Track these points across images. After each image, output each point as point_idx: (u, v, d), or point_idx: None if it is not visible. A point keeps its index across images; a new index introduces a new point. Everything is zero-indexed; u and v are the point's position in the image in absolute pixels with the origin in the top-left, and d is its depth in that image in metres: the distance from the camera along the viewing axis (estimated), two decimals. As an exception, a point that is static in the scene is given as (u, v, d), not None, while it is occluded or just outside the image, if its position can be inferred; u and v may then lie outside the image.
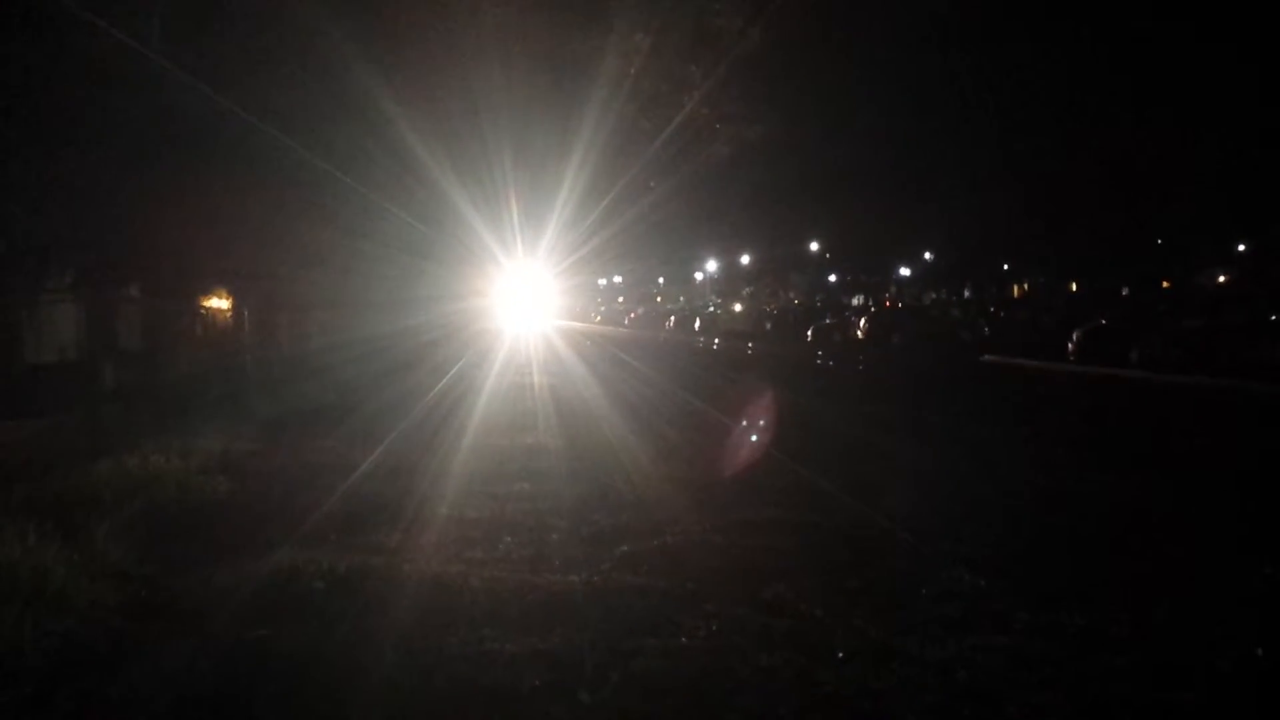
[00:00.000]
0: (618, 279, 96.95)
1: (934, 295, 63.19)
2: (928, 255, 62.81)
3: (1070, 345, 26.20)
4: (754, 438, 12.12)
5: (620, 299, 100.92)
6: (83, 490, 7.72)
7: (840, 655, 4.62)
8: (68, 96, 11.70)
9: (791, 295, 73.30)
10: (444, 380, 19.52)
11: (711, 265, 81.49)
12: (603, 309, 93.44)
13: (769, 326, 51.18)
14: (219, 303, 20.44)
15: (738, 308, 63.15)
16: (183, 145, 13.09)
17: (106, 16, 10.78)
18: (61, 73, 11.43)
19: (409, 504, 8.03)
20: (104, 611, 5.30)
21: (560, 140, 18.22)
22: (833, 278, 74.10)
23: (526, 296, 40.07)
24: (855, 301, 64.29)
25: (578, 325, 69.02)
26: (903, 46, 36.18)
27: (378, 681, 4.46)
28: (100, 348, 15.27)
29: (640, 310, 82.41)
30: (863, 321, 40.37)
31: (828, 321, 44.15)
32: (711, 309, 64.04)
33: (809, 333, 42.95)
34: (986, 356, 29.06)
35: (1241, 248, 46.70)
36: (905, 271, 67.86)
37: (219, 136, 13.11)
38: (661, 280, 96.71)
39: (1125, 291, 43.25)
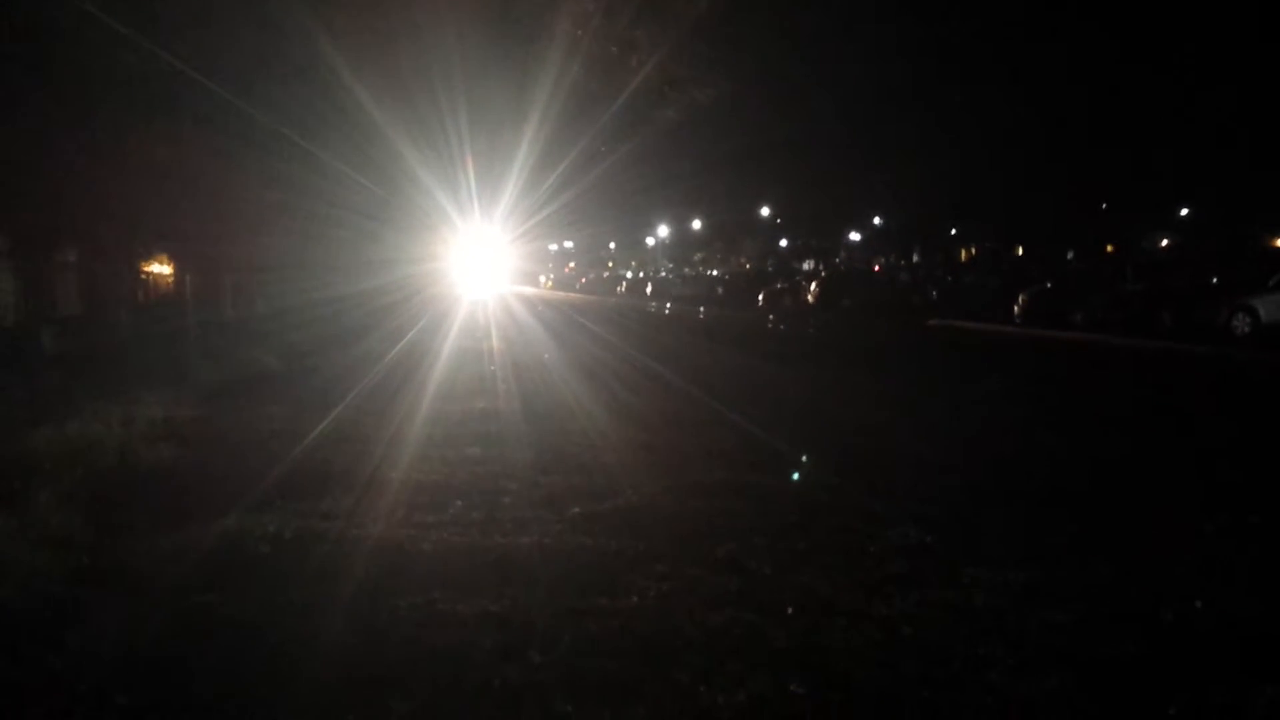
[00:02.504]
0: (568, 244, 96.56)
1: (883, 260, 63.66)
2: (877, 220, 63.24)
3: (1016, 308, 26.61)
4: (706, 400, 12.16)
5: (571, 264, 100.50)
6: (22, 458, 7.55)
7: (789, 612, 4.67)
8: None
9: (743, 260, 73.48)
10: (397, 346, 19.32)
11: (663, 230, 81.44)
12: (553, 275, 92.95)
13: (720, 291, 51.35)
14: (160, 268, 20.06)
15: (689, 272, 63.28)
16: (123, 105, 12.75)
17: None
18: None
19: (359, 470, 7.96)
20: (45, 579, 5.20)
21: (514, 105, 18.04)
22: (784, 242, 74.39)
23: (481, 261, 40.09)
24: (806, 266, 64.58)
25: (529, 291, 68.71)
26: (852, 12, 36.23)
27: (327, 646, 4.43)
28: (38, 314, 14.94)
29: (591, 275, 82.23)
30: (813, 286, 40.63)
31: (779, 286, 44.36)
32: (663, 274, 64.11)
33: (760, 297, 43.13)
34: (934, 320, 29.39)
35: (1184, 212, 47.51)
36: (855, 236, 68.27)
37: (161, 95, 12.78)
38: (613, 245, 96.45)
39: (1070, 255, 43.89)
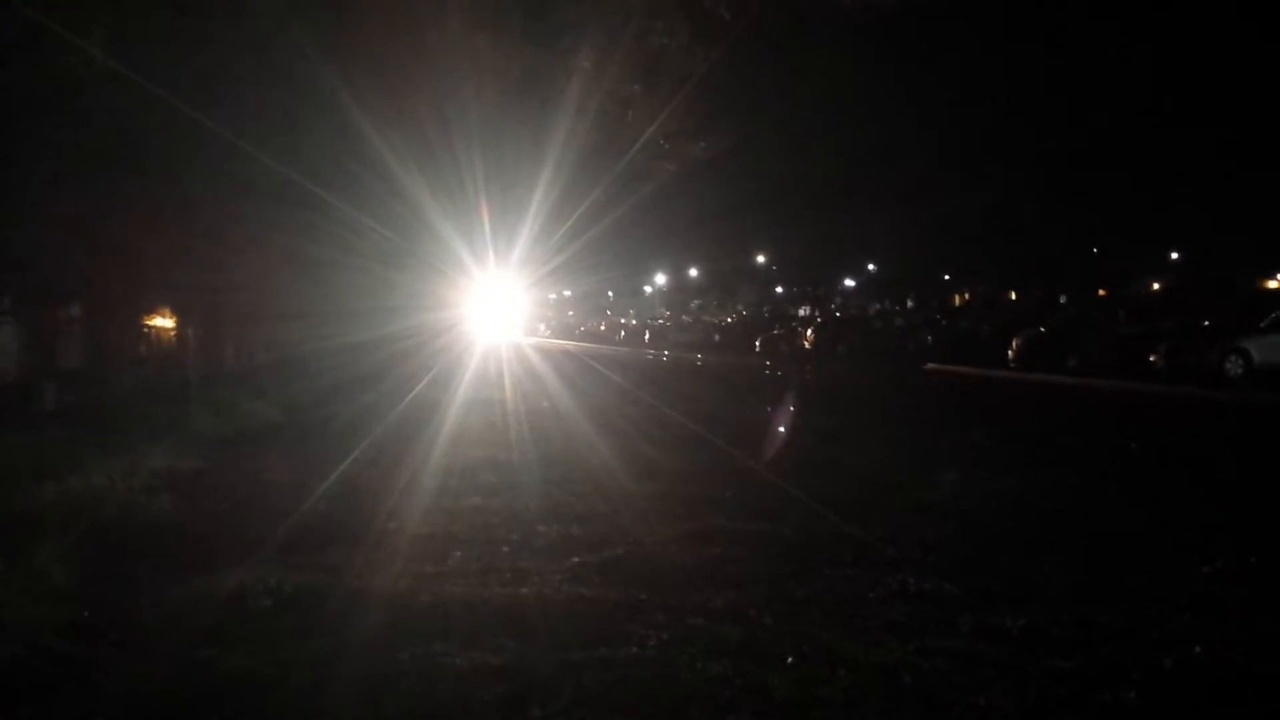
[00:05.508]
0: (567, 293, 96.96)
1: (878, 305, 63.90)
2: (871, 266, 63.61)
3: (1010, 353, 26.71)
4: (705, 445, 12.18)
5: (570, 313, 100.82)
6: (24, 512, 7.57)
7: (789, 661, 4.69)
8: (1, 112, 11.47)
9: (739, 307, 73.75)
10: (405, 398, 19.19)
11: (661, 279, 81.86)
12: (553, 324, 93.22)
13: (717, 338, 51.54)
14: (163, 321, 20.14)
15: (686, 319, 63.61)
16: (124, 159, 12.84)
17: (46, 27, 10.55)
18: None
19: (361, 524, 7.97)
20: (48, 635, 5.21)
21: (525, 159, 18.22)
22: (779, 289, 74.73)
23: (490, 311, 40.62)
24: (802, 312, 64.80)
25: (533, 339, 68.92)
26: (844, 63, 36.69)
27: (327, 701, 4.43)
28: (41, 368, 14.99)
29: (589, 324, 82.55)
30: (809, 332, 40.80)
31: (775, 332, 44.52)
32: (660, 321, 64.41)
33: (757, 344, 43.26)
34: (929, 365, 29.49)
35: (1174, 255, 47.85)
36: (850, 282, 68.62)
37: (167, 145, 12.87)
38: (611, 294, 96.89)
39: (1063, 299, 44.09)
